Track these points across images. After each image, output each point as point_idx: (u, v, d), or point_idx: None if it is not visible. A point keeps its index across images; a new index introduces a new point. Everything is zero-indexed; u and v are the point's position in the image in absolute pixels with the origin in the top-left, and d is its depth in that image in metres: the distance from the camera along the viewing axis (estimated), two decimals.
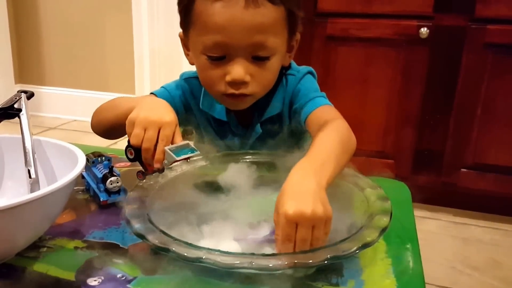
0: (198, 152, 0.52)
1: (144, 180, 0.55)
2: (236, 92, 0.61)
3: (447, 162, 1.44)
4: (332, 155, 0.50)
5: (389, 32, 1.39)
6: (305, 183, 0.45)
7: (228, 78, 0.60)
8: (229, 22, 0.57)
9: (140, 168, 0.55)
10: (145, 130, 0.52)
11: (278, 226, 0.43)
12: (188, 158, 0.52)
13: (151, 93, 0.70)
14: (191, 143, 0.53)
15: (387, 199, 0.51)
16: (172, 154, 0.51)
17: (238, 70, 0.59)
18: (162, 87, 0.72)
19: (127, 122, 0.54)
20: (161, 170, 0.55)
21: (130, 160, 0.55)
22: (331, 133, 0.55)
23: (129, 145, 0.54)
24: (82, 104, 2.30)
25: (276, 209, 0.44)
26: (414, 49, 1.38)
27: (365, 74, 1.45)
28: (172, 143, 0.53)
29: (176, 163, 0.53)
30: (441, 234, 1.40)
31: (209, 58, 0.60)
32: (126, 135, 0.55)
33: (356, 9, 1.40)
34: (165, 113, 0.54)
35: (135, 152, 0.53)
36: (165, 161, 0.52)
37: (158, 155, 0.51)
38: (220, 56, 0.60)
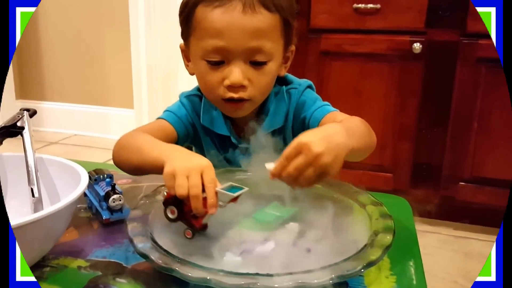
0: (247, 188, 0.49)
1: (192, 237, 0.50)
2: (235, 96, 0.63)
3: (445, 175, 1.44)
4: (356, 130, 0.56)
5: (383, 48, 1.41)
6: (335, 135, 0.49)
7: (226, 81, 0.62)
8: (228, 27, 0.60)
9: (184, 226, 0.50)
10: (187, 178, 0.48)
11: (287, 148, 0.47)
12: (240, 195, 0.49)
13: (158, 118, 0.70)
14: (233, 183, 0.50)
15: (390, 216, 0.51)
16: (228, 192, 0.47)
17: (236, 73, 0.61)
18: (166, 110, 0.71)
19: (165, 177, 0.50)
20: (204, 227, 0.50)
21: (171, 220, 0.50)
22: (355, 118, 0.61)
23: (168, 204, 0.50)
24: (82, 119, 2.29)
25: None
26: (408, 64, 1.40)
27: (360, 89, 1.46)
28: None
29: (230, 203, 0.49)
30: (442, 248, 1.39)
31: (209, 63, 0.62)
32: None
33: (350, 25, 1.42)
34: (200, 158, 0.52)
35: (177, 209, 0.49)
36: (220, 203, 0.48)
37: (211, 199, 0.47)
38: (219, 61, 0.62)
